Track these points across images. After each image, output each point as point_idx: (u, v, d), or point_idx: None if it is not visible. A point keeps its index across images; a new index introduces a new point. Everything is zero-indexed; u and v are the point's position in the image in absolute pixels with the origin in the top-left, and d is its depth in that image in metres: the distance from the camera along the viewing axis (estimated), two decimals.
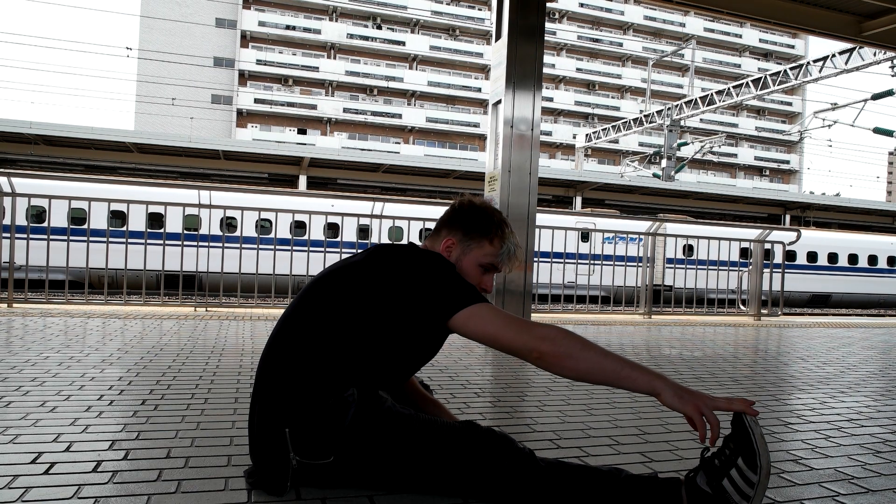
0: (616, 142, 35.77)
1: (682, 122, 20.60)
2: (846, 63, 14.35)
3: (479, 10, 48.75)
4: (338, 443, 1.30)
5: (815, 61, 15.46)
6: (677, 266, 8.87)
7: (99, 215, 7.55)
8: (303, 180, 21.48)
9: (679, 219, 11.07)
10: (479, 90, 47.37)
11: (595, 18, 51.23)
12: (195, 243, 6.22)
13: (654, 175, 22.63)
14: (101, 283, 6.42)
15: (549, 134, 47.38)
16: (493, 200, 4.38)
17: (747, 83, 17.60)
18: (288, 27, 44.82)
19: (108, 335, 3.65)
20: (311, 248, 6.29)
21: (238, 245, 6.07)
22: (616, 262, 7.08)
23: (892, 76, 13.99)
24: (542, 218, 5.15)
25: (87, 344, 3.29)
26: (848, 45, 13.58)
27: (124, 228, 5.86)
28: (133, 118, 42.43)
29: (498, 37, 4.49)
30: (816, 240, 19.05)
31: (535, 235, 4.64)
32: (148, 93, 40.47)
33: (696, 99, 19.37)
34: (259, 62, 43.75)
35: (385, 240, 7.91)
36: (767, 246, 7.35)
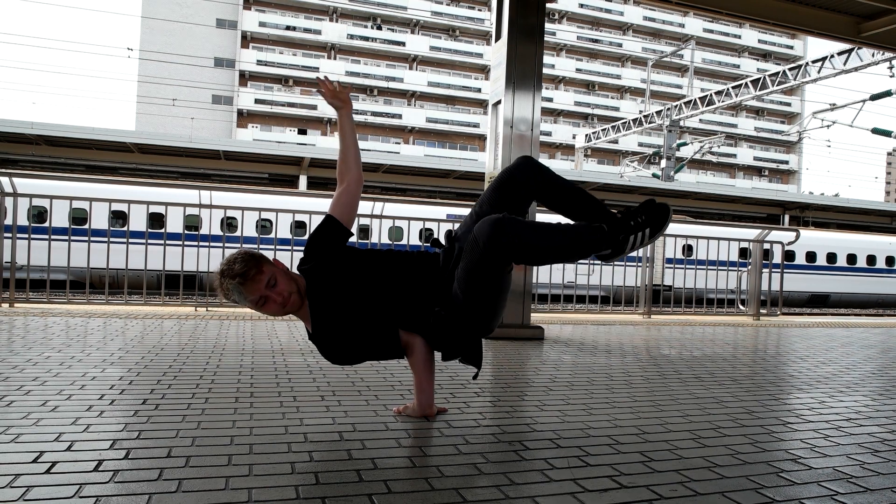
0: (616, 142, 35.78)
1: (681, 123, 20.62)
2: (845, 64, 14.37)
3: (479, 10, 48.74)
4: None
5: (813, 62, 15.48)
6: (677, 266, 8.88)
7: (100, 215, 7.55)
8: (303, 180, 21.50)
9: (678, 219, 11.06)
10: (479, 90, 47.37)
11: (595, 19, 51.23)
12: (196, 243, 6.22)
13: (654, 175, 22.64)
14: (102, 282, 6.43)
15: (548, 134, 47.38)
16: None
17: (746, 84, 17.62)
18: (288, 28, 44.82)
19: (109, 335, 3.66)
20: None
21: (239, 245, 6.08)
22: (615, 262, 7.08)
23: (891, 77, 14.02)
24: (542, 218, 5.15)
25: (88, 343, 3.29)
26: (846, 46, 13.60)
27: (125, 228, 5.86)
28: (134, 119, 42.45)
29: (498, 37, 4.50)
30: (815, 240, 19.07)
31: None
32: (149, 93, 40.47)
33: (695, 99, 19.38)
34: (259, 62, 43.75)
35: (385, 240, 7.92)
36: (766, 246, 7.36)
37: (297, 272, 2.07)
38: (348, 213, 2.10)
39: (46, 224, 5.44)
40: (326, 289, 1.99)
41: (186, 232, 6.34)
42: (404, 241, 7.57)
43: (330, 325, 2.00)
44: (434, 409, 2.09)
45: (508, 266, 1.89)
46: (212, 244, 6.28)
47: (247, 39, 44.23)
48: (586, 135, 25.02)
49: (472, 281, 1.87)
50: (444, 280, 1.99)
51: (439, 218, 6.56)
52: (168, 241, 5.63)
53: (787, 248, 7.65)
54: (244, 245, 6.33)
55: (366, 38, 46.37)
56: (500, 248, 1.75)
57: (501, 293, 1.95)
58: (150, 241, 5.82)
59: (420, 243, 9.23)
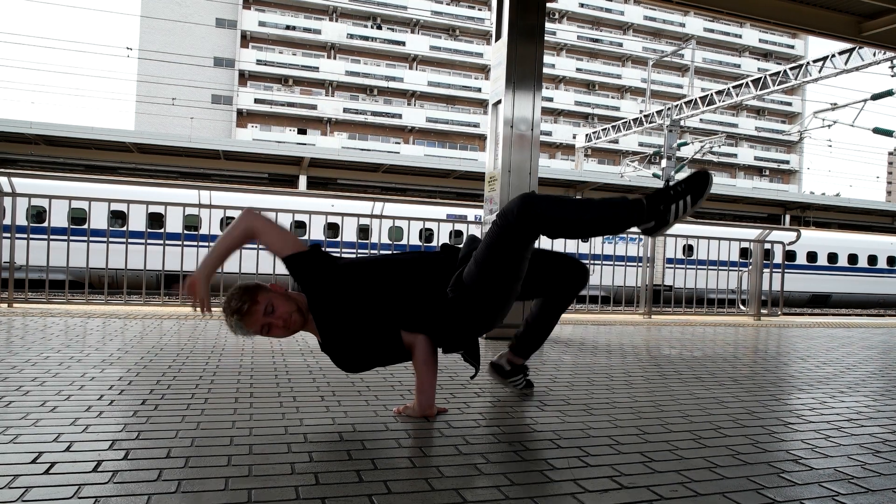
0: (616, 142, 35.74)
1: (681, 123, 20.58)
2: (846, 63, 14.34)
3: (479, 10, 48.74)
4: None
5: (814, 61, 15.45)
6: (677, 266, 8.88)
7: (99, 215, 7.56)
8: (303, 180, 21.49)
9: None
10: (479, 90, 47.37)
11: (595, 18, 51.23)
12: (195, 243, 6.22)
13: (654, 175, 22.62)
14: (102, 283, 6.42)
15: (549, 134, 47.38)
16: (492, 201, 4.39)
17: (747, 83, 17.58)
18: (288, 27, 44.83)
19: (109, 335, 3.65)
20: None
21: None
22: (616, 262, 7.08)
23: (892, 76, 13.99)
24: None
25: (87, 344, 3.29)
26: (847, 46, 13.57)
27: (124, 228, 5.85)
28: (133, 118, 42.45)
29: (498, 37, 4.49)
30: (816, 240, 19.07)
31: None
32: (148, 93, 40.48)
33: (695, 99, 19.35)
34: (259, 62, 43.76)
35: (385, 240, 7.91)
36: (767, 246, 7.35)
37: (296, 292, 2.08)
38: (280, 239, 2.11)
39: (45, 224, 5.43)
40: (327, 301, 2.01)
41: (186, 232, 6.34)
42: (404, 241, 7.56)
43: (336, 335, 2.02)
44: (434, 410, 2.09)
45: (531, 245, 1.89)
46: (212, 244, 6.28)
47: (246, 39, 44.23)
48: (586, 135, 24.98)
49: (493, 257, 1.88)
50: (450, 272, 2.01)
51: (439, 218, 6.55)
52: (167, 241, 5.63)
53: (788, 248, 7.65)
54: (244, 246, 6.33)
55: (366, 38, 46.37)
56: (529, 220, 1.78)
57: (516, 280, 1.95)
58: (149, 241, 5.82)
59: (420, 243, 9.25)
